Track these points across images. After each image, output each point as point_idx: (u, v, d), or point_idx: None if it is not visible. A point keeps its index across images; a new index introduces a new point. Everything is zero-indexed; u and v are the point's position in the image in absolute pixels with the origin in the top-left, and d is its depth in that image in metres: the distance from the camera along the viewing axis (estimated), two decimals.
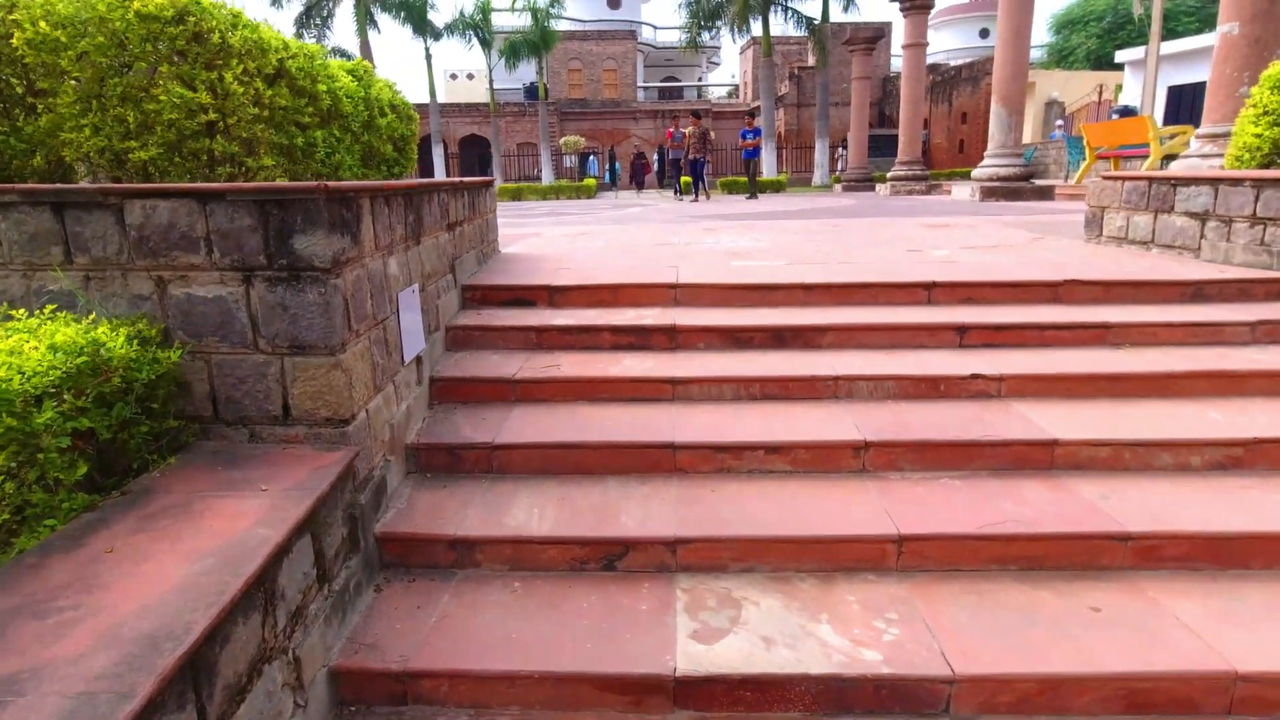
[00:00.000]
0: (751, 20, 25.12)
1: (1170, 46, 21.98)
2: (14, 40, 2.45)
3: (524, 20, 28.14)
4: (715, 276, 4.23)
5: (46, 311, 2.02)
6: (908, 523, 2.40)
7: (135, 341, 1.99)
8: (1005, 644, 2.02)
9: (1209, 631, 2.04)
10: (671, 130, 17.05)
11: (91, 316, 2.00)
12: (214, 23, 2.54)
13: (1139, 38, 31.39)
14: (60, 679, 1.24)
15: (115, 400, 1.87)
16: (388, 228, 2.76)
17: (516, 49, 28.13)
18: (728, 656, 2.00)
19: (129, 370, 1.91)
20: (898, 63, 30.77)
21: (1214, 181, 4.47)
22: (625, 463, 2.82)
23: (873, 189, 20.37)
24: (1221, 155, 7.63)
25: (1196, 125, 19.85)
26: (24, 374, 1.64)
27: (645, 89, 42.78)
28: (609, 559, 2.41)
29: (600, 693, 1.98)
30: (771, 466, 2.80)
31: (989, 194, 12.56)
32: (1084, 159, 15.30)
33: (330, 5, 27.26)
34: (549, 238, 7.04)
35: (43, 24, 2.41)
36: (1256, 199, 4.21)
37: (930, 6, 17.06)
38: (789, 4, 25.12)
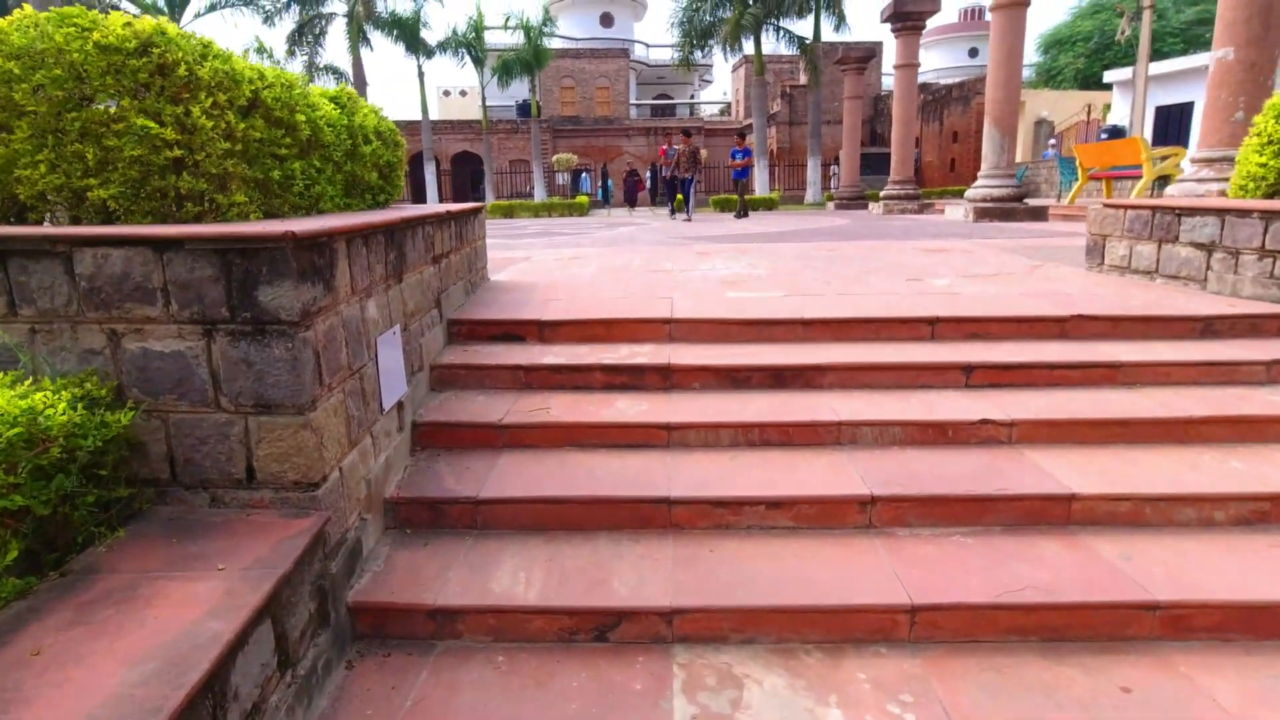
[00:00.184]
0: (743, 39, 25.24)
1: (1158, 67, 22.19)
2: None
3: (517, 38, 28.20)
4: (711, 310, 4.08)
5: None
6: (920, 589, 2.24)
7: (81, 404, 1.82)
8: None
9: (1251, 718, 1.88)
10: (665, 148, 17.01)
11: (29, 382, 1.83)
12: (180, 54, 2.39)
13: (1125, 58, 31.73)
14: None
15: (55, 472, 1.70)
16: (366, 269, 2.60)
17: (509, 67, 28.16)
18: None
19: (71, 438, 1.74)
20: (888, 81, 31.03)
21: (1220, 212, 4.37)
22: (617, 518, 2.66)
23: (865, 207, 20.37)
24: (1218, 180, 7.59)
25: (1184, 145, 20.07)
26: None
27: (638, 106, 42.94)
28: (600, 630, 2.24)
29: None
30: (773, 523, 2.64)
31: (982, 214, 12.51)
32: (1076, 179, 15.32)
33: (323, 23, 27.24)
34: (539, 262, 6.90)
35: None
36: (1265, 230, 4.11)
37: (922, 28, 17.13)
38: (781, 24, 25.27)
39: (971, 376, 3.45)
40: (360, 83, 27.52)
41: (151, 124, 2.38)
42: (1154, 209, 4.90)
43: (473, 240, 4.90)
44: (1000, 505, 2.61)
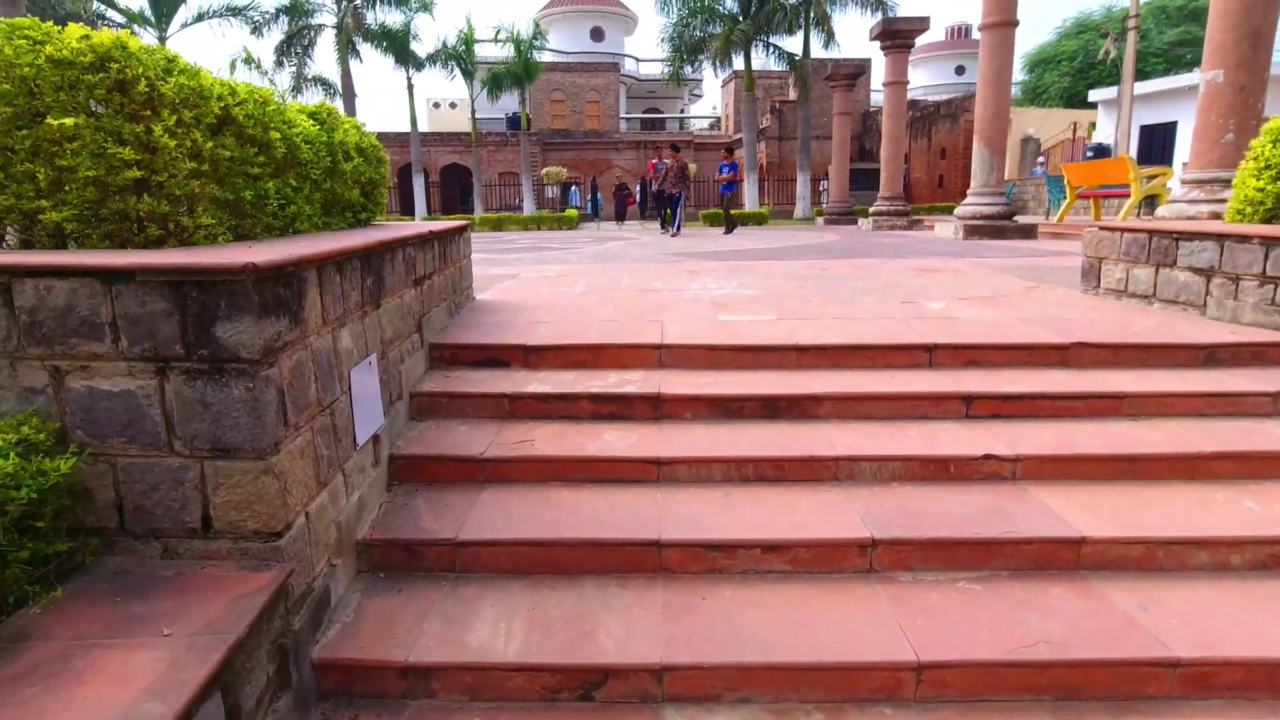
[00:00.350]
0: (733, 55, 25.33)
1: (1142, 87, 22.47)
2: None
3: (507, 51, 28.19)
4: (702, 335, 3.95)
5: None
6: (926, 643, 2.11)
7: (14, 451, 1.65)
8: None
9: None
10: (654, 162, 16.98)
11: None
12: (141, 69, 2.25)
13: (1109, 78, 32.18)
14: None
15: None
16: (339, 298, 2.46)
17: (499, 80, 28.13)
18: None
19: (2, 489, 1.58)
20: (877, 98, 31.24)
21: (1220, 237, 4.30)
22: (605, 562, 2.51)
23: (855, 223, 20.39)
24: (1209, 201, 7.58)
25: (1169, 164, 20.21)
26: None
27: (628, 120, 43.05)
28: (585, 688, 2.08)
29: None
30: (769, 566, 2.50)
31: (972, 232, 12.50)
32: (1064, 197, 15.40)
33: (311, 35, 27.13)
34: (527, 280, 6.76)
35: None
36: (1266, 256, 4.03)
37: (911, 46, 17.22)
38: (771, 40, 25.39)
39: (972, 407, 3.33)
40: (349, 94, 27.40)
41: (109, 142, 2.24)
42: (1151, 232, 4.84)
43: (457, 260, 4.76)
44: (1007, 549, 2.48)
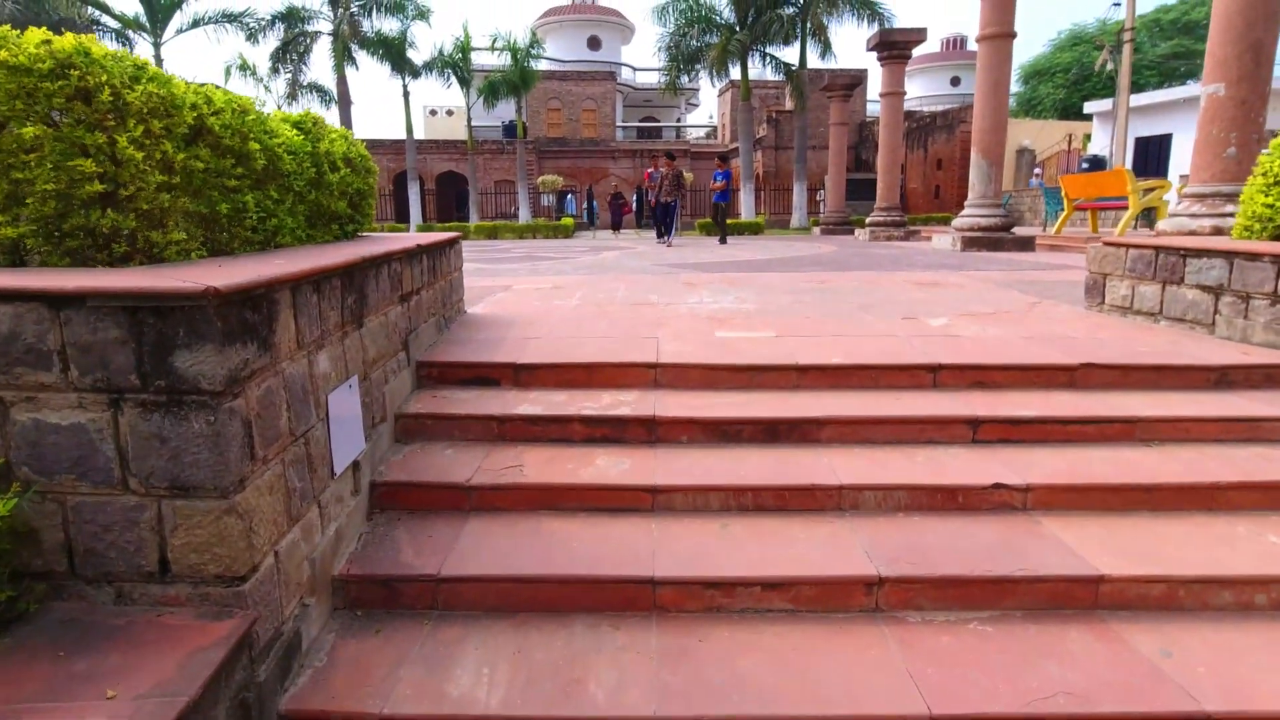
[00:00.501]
0: (730, 65, 25.33)
1: (1137, 100, 22.53)
2: None
3: (504, 59, 28.14)
4: (699, 353, 3.83)
5: None
6: (939, 695, 1.97)
7: None
8: None
9: None
10: (650, 171, 16.87)
11: None
12: (105, 77, 2.12)
13: (1104, 90, 32.33)
14: None
15: None
16: (316, 319, 2.32)
17: (495, 88, 28.06)
18: None
19: None
20: (873, 108, 31.29)
21: (1229, 254, 4.20)
22: (596, 600, 2.37)
23: (851, 233, 20.35)
24: (1211, 216, 7.50)
25: (1164, 176, 20.22)
26: None
27: (624, 128, 43.06)
28: None
29: None
30: (769, 605, 2.36)
31: (970, 244, 12.43)
32: (1061, 208, 15.36)
33: (307, 42, 27.04)
34: (520, 292, 6.63)
35: None
36: (1278, 275, 3.93)
37: (908, 57, 17.21)
38: (767, 50, 25.41)
39: (979, 431, 3.21)
40: (345, 101, 27.31)
41: (70, 154, 2.10)
42: (1157, 249, 4.74)
43: (448, 273, 4.63)
44: (1021, 588, 2.35)
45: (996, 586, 2.35)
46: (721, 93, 39.47)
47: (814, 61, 25.33)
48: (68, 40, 2.12)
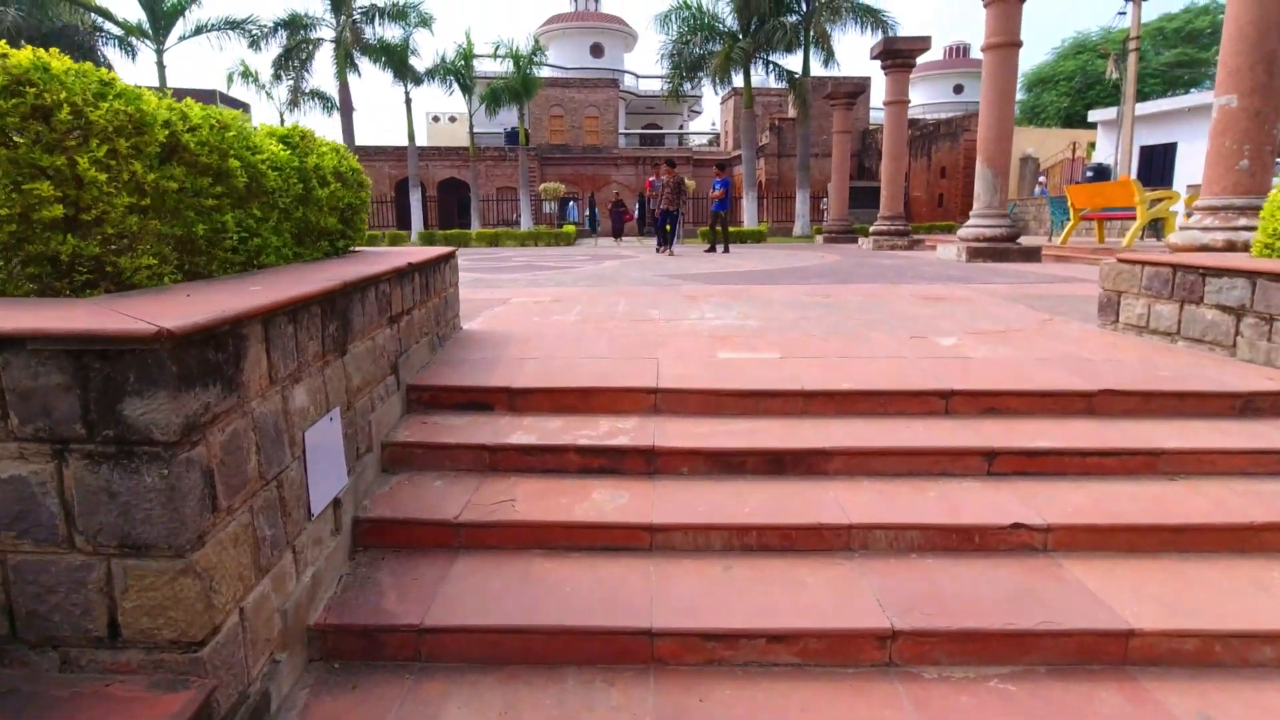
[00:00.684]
0: (733, 72, 25.27)
1: (1142, 108, 22.41)
2: None
3: (506, 67, 28.10)
4: (701, 377, 3.67)
5: None
6: None
7: None
8: None
9: None
10: (651, 180, 16.76)
11: None
12: (64, 94, 1.98)
13: (1108, 98, 32.23)
14: None
15: None
16: (292, 351, 2.17)
17: (498, 95, 28.02)
18: None
19: None
20: (877, 115, 31.20)
21: (1252, 274, 4.04)
22: (590, 652, 2.21)
23: (855, 241, 20.20)
24: (1224, 229, 7.35)
25: (1169, 185, 20.07)
26: None
27: (627, 135, 43.03)
28: None
29: None
30: (775, 659, 2.20)
31: (975, 254, 12.28)
32: (1066, 218, 15.22)
33: (310, 49, 27.03)
34: (518, 305, 6.48)
35: None
36: None
37: (912, 66, 17.09)
38: (770, 58, 25.33)
39: (995, 464, 3.05)
40: (347, 109, 27.28)
41: (24, 176, 1.96)
42: (1175, 267, 4.58)
43: (442, 290, 4.49)
44: (1045, 641, 2.19)
45: (1018, 640, 2.19)
46: (724, 100, 39.44)
47: (817, 69, 25.27)
48: (24, 55, 1.98)
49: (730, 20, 24.99)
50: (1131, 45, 19.88)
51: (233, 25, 25.63)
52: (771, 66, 25.68)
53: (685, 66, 25.45)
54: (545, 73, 33.22)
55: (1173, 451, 3.07)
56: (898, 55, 16.65)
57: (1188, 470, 3.06)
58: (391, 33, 27.07)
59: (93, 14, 24.93)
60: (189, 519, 1.58)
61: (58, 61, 2.06)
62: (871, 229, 18.21)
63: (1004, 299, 6.81)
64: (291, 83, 27.52)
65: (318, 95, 28.60)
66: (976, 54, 12.16)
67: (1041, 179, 26.60)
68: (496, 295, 7.37)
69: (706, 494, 2.88)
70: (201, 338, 1.63)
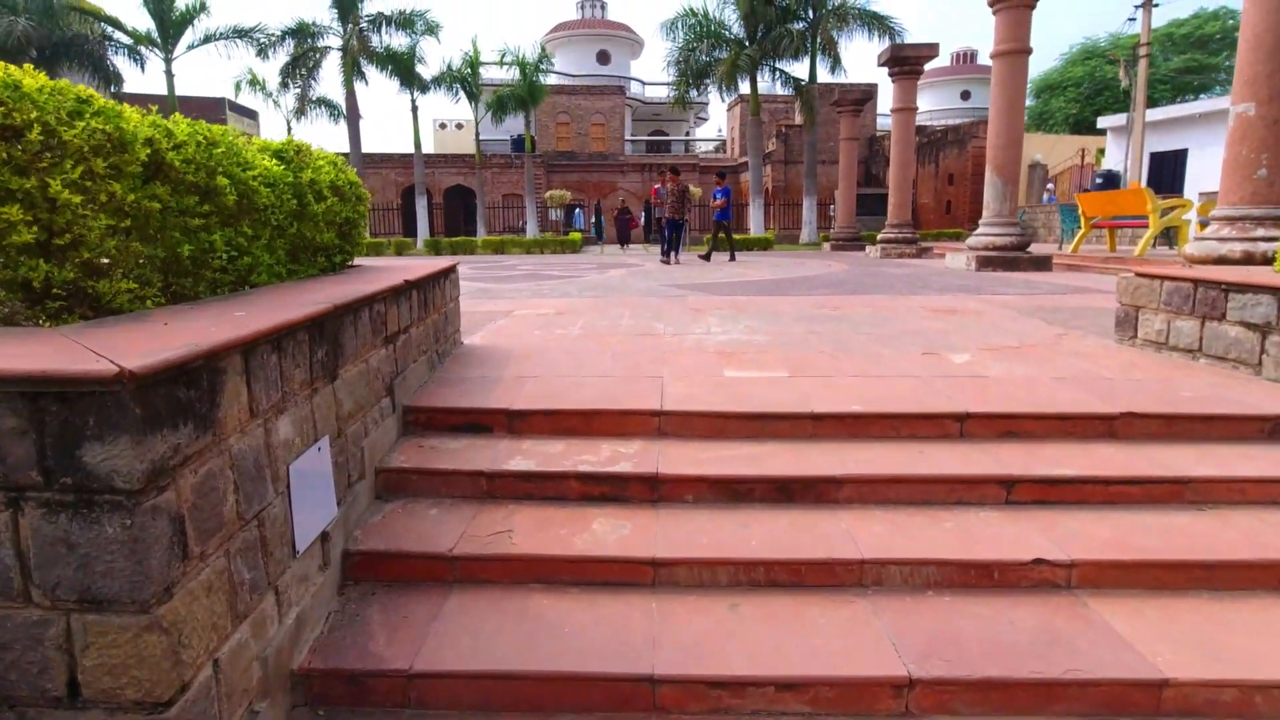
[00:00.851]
0: (739, 79, 25.18)
1: (1152, 114, 22.19)
2: None
3: (513, 74, 28.10)
4: (707, 398, 3.56)
5: None
6: None
7: None
8: None
9: None
10: (657, 187, 16.64)
11: None
12: (35, 114, 1.88)
13: (1116, 104, 32.02)
14: None
15: None
16: (276, 381, 2.07)
17: (504, 103, 28.01)
18: None
19: None
20: (884, 122, 31.08)
21: (1277, 291, 3.90)
22: (588, 700, 2.09)
23: (862, 249, 20.07)
24: (1241, 240, 7.20)
25: (1178, 192, 19.85)
26: None
27: (633, 142, 43.00)
28: None
29: None
30: (784, 709, 2.07)
31: (985, 263, 12.13)
32: (1077, 226, 15.05)
33: (317, 57, 27.09)
34: (521, 318, 6.38)
35: None
36: None
37: (920, 73, 16.98)
38: (777, 65, 25.25)
39: (1013, 492, 2.92)
40: (353, 116, 27.32)
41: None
42: (1196, 282, 4.44)
43: (442, 305, 4.39)
44: (1072, 691, 2.06)
45: (1044, 690, 2.06)
46: (730, 107, 39.40)
47: (824, 76, 25.19)
48: None
49: (736, 27, 24.93)
50: (1142, 51, 19.71)
51: (241, 34, 25.71)
52: (778, 73, 25.59)
53: (691, 74, 25.39)
54: (552, 80, 33.21)
55: (1200, 480, 2.94)
56: (905, 62, 16.55)
57: (1216, 499, 2.92)
58: (398, 41, 27.12)
59: (102, 23, 25.07)
60: (154, 571, 1.47)
61: (30, 79, 1.96)
62: (879, 237, 18.08)
63: (1017, 311, 6.67)
64: (299, 91, 27.59)
65: (325, 103, 28.67)
66: (983, 60, 12.04)
67: (1049, 186, 26.40)
68: (499, 307, 7.27)
69: (712, 524, 2.76)
70: (170, 375, 1.52)
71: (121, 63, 25.39)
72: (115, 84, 25.24)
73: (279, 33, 26.24)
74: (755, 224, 25.73)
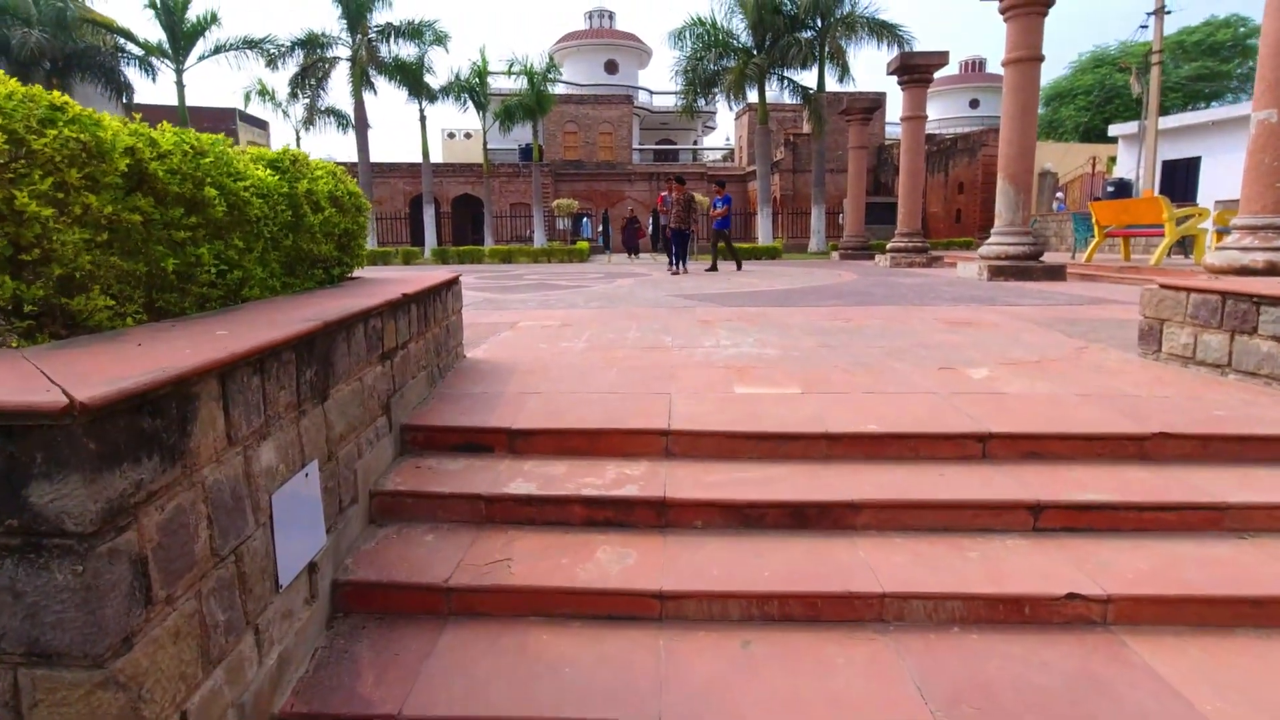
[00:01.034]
0: (747, 88, 25.15)
1: (1164, 122, 21.99)
2: None
3: (520, 83, 28.16)
4: (716, 417, 3.41)
5: None
6: None
7: None
8: None
9: None
10: (663, 195, 16.53)
11: None
12: (2, 121, 1.78)
13: (1127, 112, 31.79)
14: None
15: None
16: (258, 405, 1.94)
17: (512, 112, 28.06)
18: None
19: None
20: (892, 130, 30.95)
21: None
22: None
23: (871, 258, 19.90)
24: (1264, 249, 7.02)
25: (1191, 200, 19.63)
26: None
27: (641, 151, 43.03)
28: None
29: None
30: None
31: (997, 273, 11.94)
32: (1089, 234, 14.84)
33: (326, 67, 27.21)
34: (526, 330, 6.26)
35: None
36: None
37: (929, 81, 16.84)
38: (785, 74, 25.19)
39: (1041, 518, 2.76)
40: (362, 126, 27.42)
41: None
42: (1224, 294, 4.27)
43: (443, 318, 4.27)
44: None
45: None
46: (739, 116, 39.35)
47: (832, 85, 25.09)
48: None
49: (745, 36, 24.90)
50: (1154, 59, 19.52)
51: (251, 45, 25.88)
52: (786, 82, 25.53)
53: (699, 83, 25.35)
54: (559, 89, 33.31)
55: (1239, 506, 2.77)
56: (915, 70, 16.42)
57: (1256, 526, 2.76)
58: (407, 51, 27.24)
59: (115, 35, 25.27)
60: (109, 621, 1.33)
61: (2, 85, 1.85)
62: (889, 245, 17.90)
63: (1034, 323, 6.50)
64: (308, 101, 27.71)
65: (333, 113, 28.78)
66: (993, 68, 11.89)
67: (1059, 194, 26.18)
68: (505, 318, 7.15)
69: (722, 553, 2.61)
70: (131, 405, 1.39)
71: (133, 74, 25.60)
72: (127, 95, 25.42)
73: (289, 43, 26.40)
74: (763, 233, 25.60)
